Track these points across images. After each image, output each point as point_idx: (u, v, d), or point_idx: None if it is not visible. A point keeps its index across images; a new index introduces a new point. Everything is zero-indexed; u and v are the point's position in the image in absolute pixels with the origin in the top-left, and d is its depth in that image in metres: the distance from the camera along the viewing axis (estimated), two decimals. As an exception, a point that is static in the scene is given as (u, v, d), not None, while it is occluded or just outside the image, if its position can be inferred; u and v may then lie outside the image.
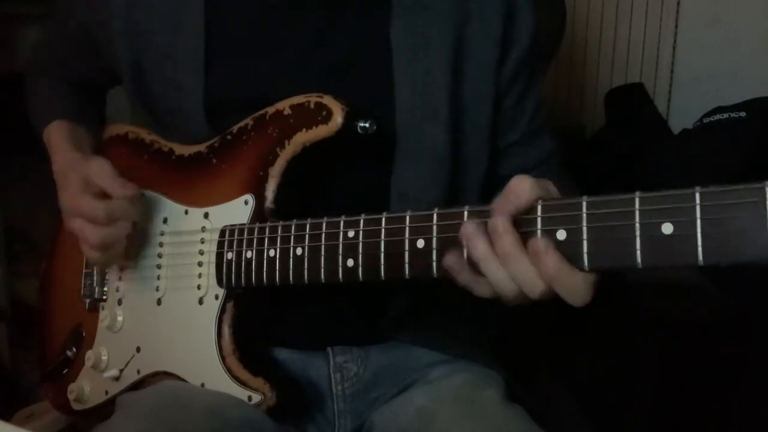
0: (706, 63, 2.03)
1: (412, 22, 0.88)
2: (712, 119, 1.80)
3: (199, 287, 0.88)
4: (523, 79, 0.94)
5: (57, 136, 1.02)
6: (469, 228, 0.66)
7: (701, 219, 0.57)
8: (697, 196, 0.57)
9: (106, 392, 0.96)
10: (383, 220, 0.74)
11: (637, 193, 0.60)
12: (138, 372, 0.92)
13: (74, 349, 1.01)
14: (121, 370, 0.94)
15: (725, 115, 1.78)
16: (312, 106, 0.83)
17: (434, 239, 0.70)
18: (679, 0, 2.06)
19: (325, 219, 0.78)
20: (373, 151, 0.87)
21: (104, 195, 0.88)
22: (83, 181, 0.89)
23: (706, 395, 1.42)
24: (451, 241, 0.69)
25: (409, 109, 0.87)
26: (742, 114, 1.76)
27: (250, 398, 0.82)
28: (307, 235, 0.78)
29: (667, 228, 0.58)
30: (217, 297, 0.86)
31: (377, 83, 0.87)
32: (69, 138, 1.01)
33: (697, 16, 2.05)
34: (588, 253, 0.62)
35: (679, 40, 2.09)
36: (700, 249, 0.57)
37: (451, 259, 0.67)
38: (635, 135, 2.01)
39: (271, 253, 0.81)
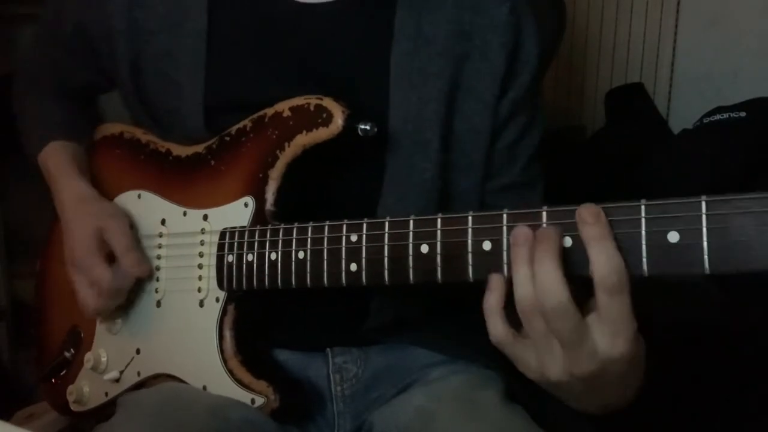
0: (706, 63, 2.03)
1: (413, 51, 0.88)
2: (712, 119, 1.80)
3: (199, 290, 0.87)
4: (520, 122, 0.93)
5: (58, 161, 1.00)
6: (522, 229, 0.64)
7: (707, 228, 0.57)
8: (703, 204, 0.57)
9: (106, 394, 0.96)
10: (386, 224, 0.73)
11: (643, 201, 0.60)
12: (138, 374, 0.92)
13: (72, 350, 1.01)
14: (121, 372, 0.94)
15: (725, 115, 1.78)
16: (312, 108, 0.82)
17: (438, 244, 0.70)
18: (679, 0, 2.06)
19: (327, 223, 0.77)
20: (371, 154, 0.87)
21: (111, 253, 0.90)
22: (97, 238, 0.90)
23: (705, 395, 1.42)
24: (455, 246, 0.69)
25: (400, 138, 0.87)
26: (742, 114, 1.76)
27: (253, 401, 0.82)
28: (309, 239, 0.78)
29: (673, 236, 0.58)
30: (218, 299, 0.86)
31: (372, 104, 0.87)
32: (73, 164, 1.00)
33: (697, 16, 2.05)
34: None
35: (679, 40, 2.09)
36: (706, 258, 0.57)
37: (489, 300, 0.66)
38: (635, 135, 2.01)
39: (273, 256, 0.80)
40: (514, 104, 0.91)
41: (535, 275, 0.62)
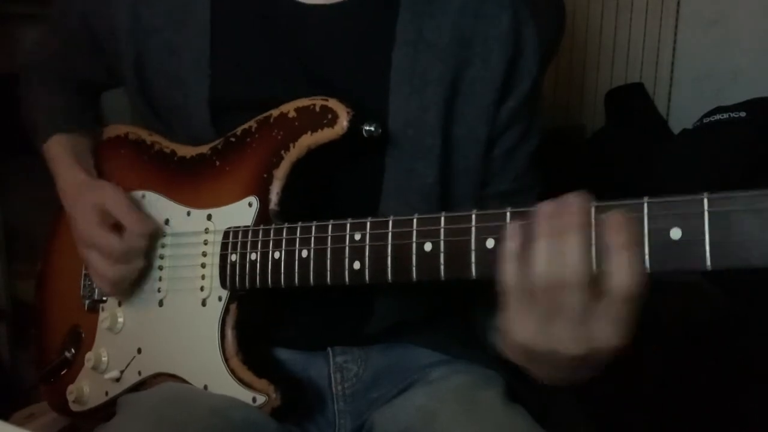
0: (706, 63, 2.03)
1: (414, 56, 0.88)
2: (712, 119, 1.81)
3: (201, 289, 0.87)
4: (518, 129, 0.93)
5: (58, 151, 1.02)
6: (547, 207, 0.64)
7: (709, 225, 0.57)
8: (705, 201, 0.58)
9: (106, 393, 0.96)
10: (390, 223, 0.74)
11: (646, 198, 0.60)
12: (139, 373, 0.92)
13: (73, 350, 1.01)
14: (122, 372, 0.94)
15: (725, 115, 1.79)
16: (317, 109, 0.83)
17: (442, 242, 0.70)
18: (679, 0, 2.07)
19: (331, 222, 0.78)
20: (373, 157, 0.87)
21: (118, 225, 0.90)
22: (98, 211, 0.90)
23: (706, 395, 1.42)
24: (458, 245, 0.69)
25: (400, 142, 0.87)
26: (742, 114, 1.77)
27: (254, 400, 0.82)
28: (312, 238, 0.78)
29: (676, 233, 0.59)
30: (220, 299, 0.86)
31: (372, 107, 0.86)
32: (71, 154, 1.01)
33: (697, 16, 2.05)
34: (597, 257, 0.62)
35: (679, 40, 2.09)
36: (708, 254, 0.57)
37: (512, 245, 0.65)
38: (635, 135, 2.02)
39: (276, 255, 0.81)
40: (512, 113, 0.91)
41: (561, 248, 0.62)
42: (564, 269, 0.62)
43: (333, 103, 0.82)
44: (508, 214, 0.67)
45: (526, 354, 0.69)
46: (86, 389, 0.98)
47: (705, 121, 1.82)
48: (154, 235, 0.92)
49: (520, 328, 0.66)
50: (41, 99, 1.08)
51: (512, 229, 0.65)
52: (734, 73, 1.98)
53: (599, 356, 0.65)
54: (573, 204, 0.63)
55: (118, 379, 0.94)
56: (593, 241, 0.62)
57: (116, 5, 0.93)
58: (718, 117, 1.79)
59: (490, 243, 0.67)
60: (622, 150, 1.96)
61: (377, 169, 0.88)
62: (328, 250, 0.77)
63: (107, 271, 0.90)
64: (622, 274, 0.60)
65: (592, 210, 0.62)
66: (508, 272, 0.65)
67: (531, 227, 0.64)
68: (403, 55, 0.88)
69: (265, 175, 0.85)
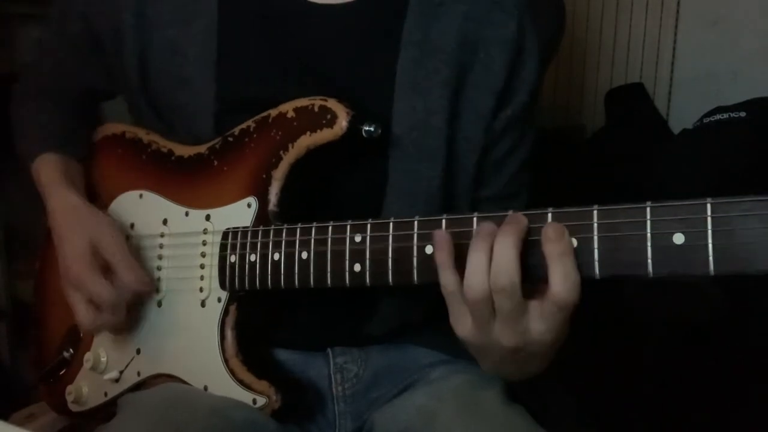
0: (706, 63, 2.03)
1: (420, 59, 0.88)
2: (712, 119, 1.81)
3: (201, 289, 0.87)
4: (513, 137, 0.93)
5: (48, 171, 0.98)
6: (489, 224, 0.68)
7: (712, 230, 0.58)
8: (709, 207, 0.58)
9: (105, 394, 0.95)
10: (391, 225, 0.74)
11: (649, 203, 0.61)
12: (138, 374, 0.92)
13: (71, 350, 1.00)
14: (121, 372, 0.93)
15: (725, 115, 1.79)
16: (316, 109, 0.82)
17: None
18: (679, 0, 2.07)
19: (331, 223, 0.77)
20: (374, 156, 0.87)
21: (109, 268, 0.87)
22: (91, 249, 0.87)
23: (706, 395, 1.42)
24: (459, 248, 0.69)
25: (404, 144, 0.87)
26: (742, 114, 1.77)
27: (254, 401, 0.82)
28: (312, 240, 0.78)
29: (679, 238, 0.59)
30: (219, 299, 0.86)
31: (376, 109, 0.86)
32: (64, 176, 0.97)
33: (697, 16, 2.05)
34: (599, 261, 0.63)
35: (679, 40, 2.09)
36: (711, 259, 0.58)
37: (441, 255, 0.69)
38: (635, 135, 2.02)
39: (276, 256, 0.80)
40: (509, 121, 0.91)
41: (493, 253, 0.66)
42: (495, 282, 0.65)
43: (332, 104, 0.82)
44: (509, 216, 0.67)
45: (470, 347, 0.74)
46: (85, 390, 0.98)
47: (705, 121, 1.82)
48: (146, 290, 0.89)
49: (460, 327, 0.71)
50: (35, 116, 1.05)
51: (440, 238, 0.68)
52: (734, 73, 1.98)
53: (539, 348, 0.69)
54: (511, 218, 0.66)
55: (117, 380, 0.94)
56: (528, 253, 0.65)
57: (121, 3, 0.93)
58: (718, 117, 1.79)
59: None
60: (622, 150, 1.96)
61: (381, 171, 0.87)
62: (328, 252, 0.77)
63: (90, 319, 0.87)
64: (559, 283, 0.64)
65: (526, 223, 0.66)
66: (444, 279, 0.69)
67: (464, 236, 0.69)
68: (409, 58, 0.88)
69: (263, 176, 0.85)
